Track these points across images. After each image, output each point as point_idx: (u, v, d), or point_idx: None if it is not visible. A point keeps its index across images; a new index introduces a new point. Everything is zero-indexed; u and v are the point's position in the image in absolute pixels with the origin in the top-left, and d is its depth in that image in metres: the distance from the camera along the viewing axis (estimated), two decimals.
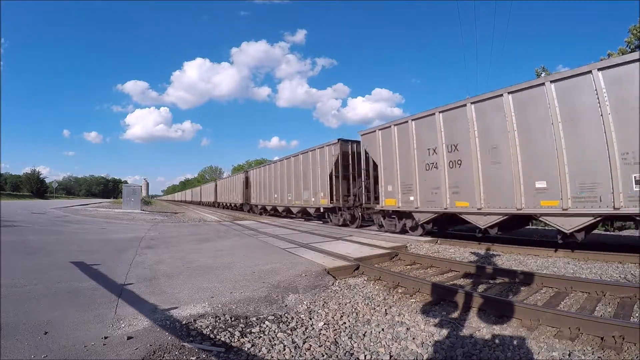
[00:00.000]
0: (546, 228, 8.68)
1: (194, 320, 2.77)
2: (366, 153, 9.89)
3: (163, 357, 2.17)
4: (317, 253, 5.88)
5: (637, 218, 5.00)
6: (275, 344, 2.48)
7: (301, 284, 4.01)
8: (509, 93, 6.25)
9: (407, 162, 8.30)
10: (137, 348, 2.26)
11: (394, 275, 4.28)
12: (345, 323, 2.94)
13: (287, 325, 2.82)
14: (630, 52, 15.31)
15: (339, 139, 11.21)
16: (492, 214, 6.53)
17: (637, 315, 3.03)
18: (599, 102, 5.16)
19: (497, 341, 2.54)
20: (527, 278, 4.15)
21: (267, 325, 2.77)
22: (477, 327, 2.83)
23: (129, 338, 2.39)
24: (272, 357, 2.32)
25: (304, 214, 13.77)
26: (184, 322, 2.72)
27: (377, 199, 9.60)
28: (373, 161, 9.50)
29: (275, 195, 15.99)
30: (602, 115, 5.12)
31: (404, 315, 3.14)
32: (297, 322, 2.90)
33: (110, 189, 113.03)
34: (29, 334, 2.40)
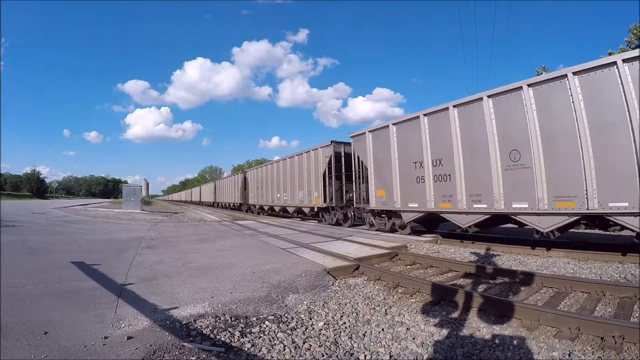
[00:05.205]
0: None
1: (194, 320, 2.77)
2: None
3: (163, 357, 2.17)
4: (317, 253, 5.88)
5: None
6: (275, 344, 2.48)
7: (301, 284, 4.01)
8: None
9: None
10: (137, 348, 2.26)
11: (394, 275, 4.29)
12: (345, 323, 2.94)
13: (287, 325, 2.82)
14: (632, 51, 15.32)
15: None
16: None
17: (637, 315, 3.03)
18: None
19: (497, 341, 2.54)
20: (527, 278, 4.15)
21: (267, 325, 2.77)
22: (477, 327, 2.83)
23: (129, 338, 2.40)
24: (272, 357, 2.32)
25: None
26: (184, 322, 2.72)
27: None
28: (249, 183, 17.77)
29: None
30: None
31: (404, 315, 3.14)
32: (297, 322, 2.90)
33: (110, 189, 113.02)
34: (29, 334, 2.40)
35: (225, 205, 28.69)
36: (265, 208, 18.05)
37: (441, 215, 7.38)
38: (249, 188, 20.59)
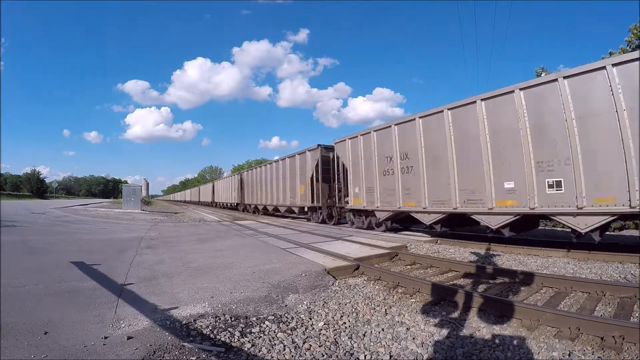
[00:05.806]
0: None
1: (194, 320, 2.77)
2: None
3: (163, 357, 2.17)
4: (317, 253, 5.88)
5: None
6: (275, 344, 2.48)
7: (301, 284, 4.01)
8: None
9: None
10: (137, 348, 2.26)
11: (394, 275, 4.28)
12: (345, 323, 2.94)
13: (287, 325, 2.82)
14: (631, 51, 15.33)
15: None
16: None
17: (637, 315, 3.03)
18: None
19: (497, 341, 2.54)
20: (527, 278, 4.15)
21: (267, 325, 2.77)
22: (477, 327, 2.83)
23: (129, 338, 2.40)
24: (272, 357, 2.32)
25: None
26: (184, 322, 2.72)
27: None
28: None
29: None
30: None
31: (404, 315, 3.14)
32: (297, 322, 2.90)
33: (110, 189, 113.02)
34: (29, 334, 2.40)
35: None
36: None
37: None
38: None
